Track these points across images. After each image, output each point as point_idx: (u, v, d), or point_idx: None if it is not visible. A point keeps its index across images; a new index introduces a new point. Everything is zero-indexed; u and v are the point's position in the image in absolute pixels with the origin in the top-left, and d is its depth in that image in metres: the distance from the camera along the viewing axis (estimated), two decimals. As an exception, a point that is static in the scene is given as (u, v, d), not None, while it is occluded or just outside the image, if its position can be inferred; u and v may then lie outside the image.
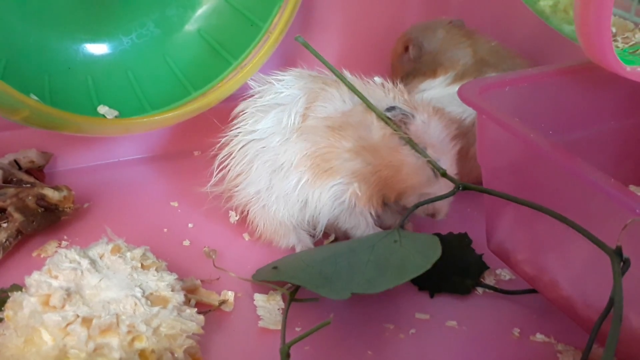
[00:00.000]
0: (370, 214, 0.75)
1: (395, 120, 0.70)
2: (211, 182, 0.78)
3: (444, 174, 0.68)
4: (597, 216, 0.54)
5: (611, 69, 0.61)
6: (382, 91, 0.74)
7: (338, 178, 0.72)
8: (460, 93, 0.63)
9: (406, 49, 0.97)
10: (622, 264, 0.51)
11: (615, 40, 0.68)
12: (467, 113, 0.85)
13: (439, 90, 0.90)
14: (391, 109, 0.70)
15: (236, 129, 0.76)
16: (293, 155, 0.72)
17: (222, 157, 0.77)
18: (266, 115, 0.74)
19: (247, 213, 0.77)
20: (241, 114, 0.76)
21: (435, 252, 0.63)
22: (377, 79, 0.77)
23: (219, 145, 0.78)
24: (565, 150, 0.54)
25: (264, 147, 0.73)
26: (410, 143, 0.70)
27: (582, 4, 0.54)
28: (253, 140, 0.74)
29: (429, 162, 0.70)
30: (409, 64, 0.96)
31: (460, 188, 0.68)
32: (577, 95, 0.71)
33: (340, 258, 0.65)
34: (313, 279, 0.62)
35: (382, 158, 0.70)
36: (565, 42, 0.71)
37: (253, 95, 0.77)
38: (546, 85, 0.69)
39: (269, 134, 0.73)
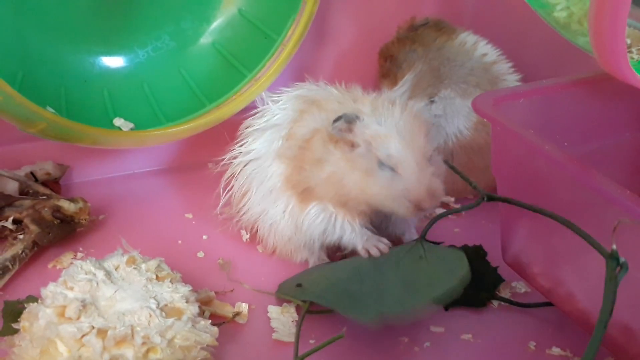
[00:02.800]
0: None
1: (340, 129, 0.66)
2: (220, 204, 0.79)
3: (475, 187, 0.65)
4: (610, 227, 0.53)
5: (626, 81, 0.61)
6: (351, 100, 0.72)
7: (313, 201, 0.71)
8: (474, 105, 0.63)
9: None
10: (619, 267, 0.50)
11: (630, 52, 0.68)
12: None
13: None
14: (337, 119, 0.66)
15: (237, 149, 0.77)
16: (276, 178, 0.72)
17: (227, 178, 0.78)
18: (261, 136, 0.75)
19: (257, 230, 0.78)
20: (243, 132, 0.78)
21: (462, 268, 0.64)
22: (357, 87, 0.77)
23: (221, 164, 0.79)
24: (580, 162, 0.54)
25: (258, 167, 0.74)
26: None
27: (597, 15, 0.54)
28: (251, 160, 0.75)
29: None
30: (384, 63, 0.97)
31: (485, 199, 0.67)
32: (592, 107, 0.71)
33: (366, 276, 0.66)
34: (341, 300, 0.63)
35: (342, 177, 0.67)
36: (579, 54, 0.71)
37: (256, 114, 0.78)
38: (560, 97, 0.69)
39: (262, 155, 0.74)
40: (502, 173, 0.66)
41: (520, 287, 0.75)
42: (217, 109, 0.89)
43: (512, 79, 0.90)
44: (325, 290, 0.66)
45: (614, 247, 0.50)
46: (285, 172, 0.71)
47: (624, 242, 0.51)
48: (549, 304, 0.69)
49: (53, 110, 0.75)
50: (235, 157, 0.77)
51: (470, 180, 0.67)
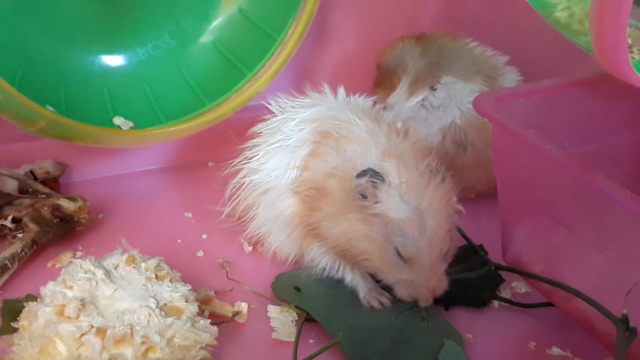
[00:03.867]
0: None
1: (365, 187, 0.60)
2: (226, 211, 0.77)
3: (483, 257, 0.69)
4: (615, 228, 0.53)
5: (627, 81, 0.61)
6: (373, 145, 0.65)
7: (319, 241, 0.68)
8: (475, 104, 0.62)
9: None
10: (628, 332, 0.51)
11: (632, 52, 0.68)
12: (431, 134, 0.87)
13: (400, 109, 0.90)
14: (361, 174, 0.60)
15: (247, 160, 0.74)
16: (287, 209, 0.69)
17: (233, 187, 0.76)
18: (273, 157, 0.71)
19: (259, 240, 0.76)
20: (256, 136, 0.75)
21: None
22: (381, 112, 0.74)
23: (227, 169, 0.77)
24: (581, 162, 0.54)
25: (268, 189, 0.71)
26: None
27: (598, 15, 0.54)
28: (261, 182, 0.72)
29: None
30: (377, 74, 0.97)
31: (493, 268, 0.71)
32: (593, 107, 0.71)
33: (364, 316, 0.66)
34: (335, 326, 0.63)
35: (355, 239, 0.63)
36: (580, 54, 0.71)
37: (268, 119, 0.76)
38: (561, 96, 0.69)
39: (274, 177, 0.70)
40: (503, 173, 0.66)
41: (521, 287, 0.74)
42: (217, 108, 0.88)
43: (511, 70, 0.91)
44: (321, 306, 0.66)
45: (625, 312, 0.50)
46: (297, 207, 0.68)
47: (628, 245, 0.51)
48: (549, 304, 0.69)
49: (53, 109, 0.75)
50: (243, 166, 0.75)
51: (476, 246, 0.73)
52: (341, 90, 0.76)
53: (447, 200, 0.62)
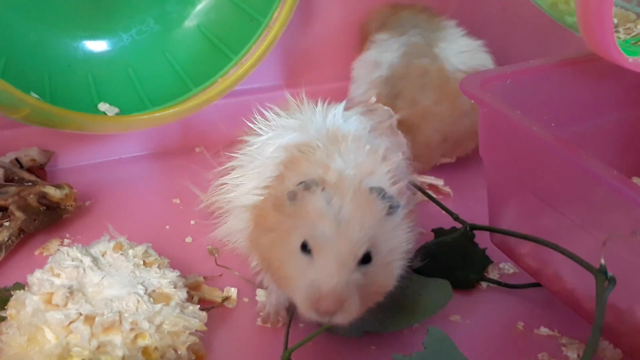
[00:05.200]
0: None
1: (294, 194, 0.57)
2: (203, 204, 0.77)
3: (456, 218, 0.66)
4: (601, 208, 0.54)
5: (613, 61, 0.61)
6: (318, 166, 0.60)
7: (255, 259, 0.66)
8: (461, 86, 0.62)
9: None
10: (607, 282, 0.51)
11: (617, 32, 0.68)
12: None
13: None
14: (302, 183, 0.57)
15: (224, 174, 0.72)
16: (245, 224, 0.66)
17: (214, 189, 0.74)
18: (247, 181, 0.68)
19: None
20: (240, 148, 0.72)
21: (447, 295, 0.65)
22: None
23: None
24: (567, 143, 0.54)
25: (237, 206, 0.68)
26: None
27: (584, -5, 0.54)
28: (234, 194, 0.69)
29: None
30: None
31: (468, 228, 0.70)
32: (579, 87, 0.71)
33: None
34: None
35: (273, 248, 0.58)
36: (566, 34, 0.71)
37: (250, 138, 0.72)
38: (548, 77, 0.69)
39: (244, 199, 0.67)
40: (489, 154, 0.66)
41: (509, 268, 0.75)
42: (203, 93, 0.88)
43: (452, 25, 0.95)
44: None
45: (602, 262, 0.51)
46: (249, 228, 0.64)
47: (615, 224, 0.52)
48: (537, 284, 0.69)
49: (37, 96, 0.74)
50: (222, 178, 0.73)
51: (451, 212, 0.72)
52: (331, 112, 0.70)
53: (374, 217, 0.55)
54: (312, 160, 0.60)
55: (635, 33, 0.68)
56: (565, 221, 0.57)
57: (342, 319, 0.52)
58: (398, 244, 0.58)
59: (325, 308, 0.51)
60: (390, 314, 0.62)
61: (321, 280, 0.51)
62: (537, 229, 0.63)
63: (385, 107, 0.85)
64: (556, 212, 0.58)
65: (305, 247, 0.54)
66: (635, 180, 0.74)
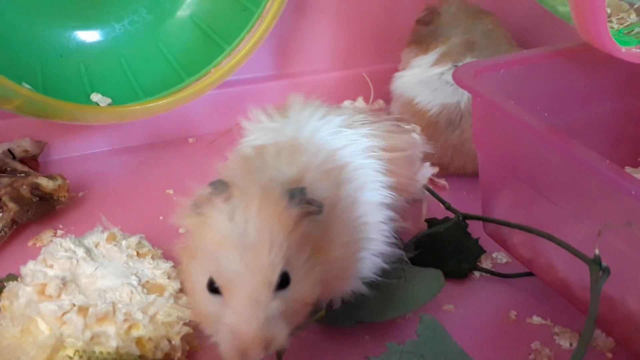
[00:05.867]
0: None
1: (199, 201, 0.49)
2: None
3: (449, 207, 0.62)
4: (594, 197, 0.54)
5: (606, 50, 0.61)
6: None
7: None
8: (455, 76, 0.62)
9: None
10: (601, 272, 0.51)
11: (610, 21, 0.68)
12: (432, 104, 0.86)
13: (418, 72, 0.90)
14: (212, 184, 0.49)
15: None
16: None
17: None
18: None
19: None
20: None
21: (438, 284, 0.64)
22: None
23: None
24: (560, 133, 0.54)
25: None
26: None
27: (577, -16, 0.54)
28: None
29: None
30: (421, 30, 0.95)
31: (461, 218, 0.70)
32: (572, 77, 0.71)
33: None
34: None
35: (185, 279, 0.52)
36: (560, 24, 0.71)
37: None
38: (541, 67, 0.69)
39: None
40: (483, 144, 0.66)
41: (501, 257, 0.75)
42: (196, 83, 0.88)
43: None
44: None
45: (597, 252, 0.51)
46: None
47: (608, 213, 0.52)
48: (530, 274, 0.69)
49: (29, 87, 0.74)
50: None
51: (444, 201, 0.72)
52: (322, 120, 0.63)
53: (289, 228, 0.47)
54: (240, 166, 0.54)
55: (628, 23, 0.68)
56: (558, 211, 0.57)
57: (274, 350, 0.47)
58: (334, 250, 0.51)
59: (255, 356, 0.45)
60: (383, 303, 0.62)
61: (239, 328, 0.44)
62: (530, 218, 0.64)
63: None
64: (549, 201, 0.58)
65: (212, 286, 0.46)
66: (628, 170, 0.74)
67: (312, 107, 0.64)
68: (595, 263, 0.51)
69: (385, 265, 0.59)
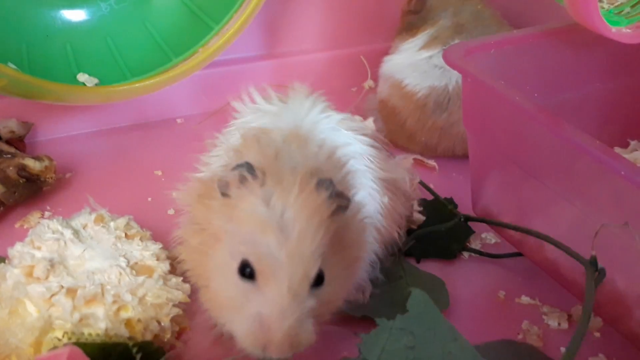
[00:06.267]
0: None
1: (227, 186, 0.48)
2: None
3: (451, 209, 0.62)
4: (584, 178, 0.54)
5: (596, 31, 0.61)
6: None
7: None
8: (445, 56, 0.62)
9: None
10: (597, 273, 0.51)
11: (601, 1, 0.68)
12: (420, 86, 0.86)
13: (407, 56, 0.90)
14: (238, 166, 0.47)
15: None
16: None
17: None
18: (209, 161, 0.62)
19: None
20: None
21: (444, 298, 0.64)
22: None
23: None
24: (550, 113, 0.54)
25: None
26: None
27: (568, -37, 0.54)
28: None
29: None
30: (410, 16, 0.94)
31: (462, 219, 0.70)
32: (562, 58, 0.71)
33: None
34: None
35: (201, 260, 0.50)
36: (550, 4, 0.71)
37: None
38: (531, 47, 0.69)
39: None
40: (472, 125, 0.66)
41: (490, 238, 0.75)
42: (184, 63, 0.87)
43: None
44: None
45: (593, 253, 0.51)
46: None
47: (598, 193, 0.52)
48: (519, 254, 0.70)
49: (15, 67, 0.73)
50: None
51: (444, 202, 0.73)
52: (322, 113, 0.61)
53: (326, 221, 0.46)
54: (262, 150, 0.51)
55: (618, 3, 0.68)
56: (548, 192, 0.57)
57: (297, 351, 0.44)
58: (352, 251, 0.51)
59: (278, 353, 0.43)
60: (381, 304, 0.61)
61: (271, 319, 0.43)
62: (519, 199, 0.64)
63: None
64: (539, 182, 0.58)
65: (244, 270, 0.45)
66: (617, 150, 0.75)
67: (313, 98, 0.62)
68: (591, 264, 0.51)
69: (384, 264, 0.59)
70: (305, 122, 0.58)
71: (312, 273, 0.44)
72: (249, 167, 0.46)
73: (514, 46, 0.67)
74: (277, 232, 0.43)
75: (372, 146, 0.63)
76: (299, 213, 0.44)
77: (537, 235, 0.59)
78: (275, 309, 0.43)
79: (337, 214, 0.47)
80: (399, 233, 0.63)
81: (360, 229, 0.53)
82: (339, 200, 0.47)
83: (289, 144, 0.52)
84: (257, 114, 0.62)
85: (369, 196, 0.59)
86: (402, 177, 0.67)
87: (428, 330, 0.48)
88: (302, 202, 0.45)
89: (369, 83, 1.09)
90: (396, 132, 0.91)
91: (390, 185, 0.63)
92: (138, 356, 0.49)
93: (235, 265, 0.45)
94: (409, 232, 0.71)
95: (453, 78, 0.84)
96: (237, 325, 0.45)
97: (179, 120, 0.99)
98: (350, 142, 0.61)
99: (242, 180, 0.46)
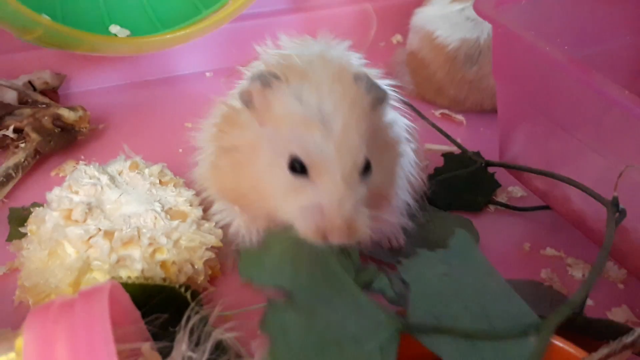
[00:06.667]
0: None
1: (252, 96, 0.49)
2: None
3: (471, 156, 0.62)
4: (614, 130, 0.54)
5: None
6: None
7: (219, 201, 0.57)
8: (476, 6, 0.62)
9: None
10: (618, 213, 0.51)
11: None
12: (451, 39, 0.85)
13: (439, 7, 0.89)
14: (255, 76, 0.48)
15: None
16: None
17: None
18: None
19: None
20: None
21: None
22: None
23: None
24: (581, 63, 0.54)
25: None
26: None
27: None
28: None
29: None
30: None
31: (483, 164, 0.70)
32: (594, 10, 0.70)
33: None
34: None
35: (241, 164, 0.50)
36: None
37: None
38: (563, -1, 0.68)
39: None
40: (502, 76, 0.66)
41: (517, 191, 0.76)
42: (213, 15, 0.87)
43: None
44: None
45: (615, 194, 0.51)
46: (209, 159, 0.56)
47: (627, 145, 0.52)
48: (544, 207, 0.70)
49: (49, 18, 0.74)
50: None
51: (465, 149, 0.72)
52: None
53: (366, 112, 0.48)
54: (283, 59, 0.51)
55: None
56: (577, 144, 0.58)
57: (355, 240, 0.46)
58: (394, 140, 0.53)
59: (339, 239, 0.44)
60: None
61: (330, 208, 0.44)
62: (548, 152, 0.64)
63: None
64: (568, 134, 0.58)
65: (294, 165, 0.45)
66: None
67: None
68: (612, 205, 0.52)
69: (412, 202, 0.59)
70: (332, 52, 0.57)
71: (360, 161, 0.46)
72: (268, 72, 0.47)
73: (545, -2, 0.67)
74: (320, 126, 0.44)
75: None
76: (338, 104, 0.45)
77: (558, 177, 0.59)
78: (333, 197, 0.44)
79: (376, 106, 0.49)
80: (423, 180, 0.64)
81: (392, 148, 0.53)
82: (376, 91, 0.48)
83: (312, 63, 0.51)
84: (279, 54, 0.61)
85: (402, 129, 0.60)
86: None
87: (465, 263, 0.49)
88: (339, 93, 0.46)
89: (396, 38, 1.08)
90: (424, 85, 0.91)
91: (414, 134, 0.63)
92: (188, 294, 0.51)
93: (284, 162, 0.46)
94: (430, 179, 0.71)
95: (485, 31, 0.83)
96: (295, 216, 0.46)
97: (208, 74, 1.00)
98: (375, 77, 0.59)
99: (265, 84, 0.47)
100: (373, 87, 0.48)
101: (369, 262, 0.54)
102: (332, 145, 0.44)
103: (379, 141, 0.49)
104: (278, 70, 0.47)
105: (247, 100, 0.48)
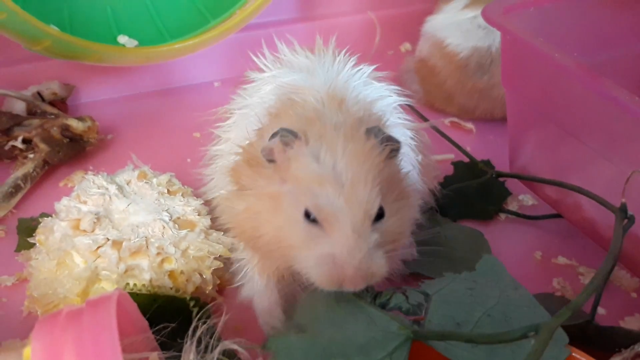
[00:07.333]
0: None
1: (272, 153, 0.49)
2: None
3: (482, 167, 0.61)
4: (624, 137, 0.53)
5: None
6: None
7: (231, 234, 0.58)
8: (484, 14, 0.62)
9: None
10: (626, 220, 0.51)
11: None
12: (463, 47, 0.85)
13: (451, 15, 0.88)
14: (274, 134, 0.49)
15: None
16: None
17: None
18: (236, 128, 0.64)
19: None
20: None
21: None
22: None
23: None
24: (590, 70, 0.53)
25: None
26: None
27: None
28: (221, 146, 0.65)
29: None
30: None
31: (494, 175, 0.70)
32: (602, 17, 0.70)
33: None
34: None
35: (259, 215, 0.50)
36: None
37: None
38: (571, 5, 0.68)
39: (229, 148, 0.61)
40: (511, 84, 0.66)
41: (527, 200, 0.75)
42: (221, 25, 0.87)
43: None
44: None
45: (623, 200, 0.51)
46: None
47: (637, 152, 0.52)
48: (556, 215, 0.70)
49: (57, 29, 0.74)
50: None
51: (475, 159, 0.73)
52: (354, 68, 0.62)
53: (379, 164, 0.48)
54: (299, 112, 0.53)
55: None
56: (587, 150, 0.57)
57: (372, 283, 0.47)
58: (406, 185, 0.54)
59: (354, 286, 0.46)
60: (434, 261, 0.61)
61: (342, 258, 0.45)
62: (557, 158, 0.64)
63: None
64: (578, 141, 0.58)
65: (309, 216, 0.47)
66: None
67: (342, 54, 0.63)
68: (621, 211, 0.51)
69: (419, 217, 0.59)
70: (338, 81, 0.59)
71: (373, 211, 0.47)
72: (288, 131, 0.48)
73: (553, 4, 0.66)
74: (333, 182, 0.46)
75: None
76: (350, 162, 0.47)
77: (567, 186, 0.59)
78: (344, 249, 0.45)
79: (390, 157, 0.50)
80: (433, 191, 0.64)
81: (402, 176, 0.54)
82: (390, 144, 0.50)
83: (325, 105, 0.53)
84: (286, 68, 0.63)
85: (405, 153, 0.60)
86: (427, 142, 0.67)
87: (490, 279, 0.49)
88: (352, 151, 0.47)
89: (405, 46, 1.08)
90: (433, 93, 0.90)
91: (424, 141, 0.64)
92: (195, 309, 0.50)
93: (299, 214, 0.47)
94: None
95: (497, 39, 0.83)
96: (310, 266, 0.47)
97: (216, 84, 1.00)
98: (383, 95, 0.61)
99: (286, 144, 0.48)
100: (385, 139, 0.49)
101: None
102: (342, 198, 0.46)
103: (394, 187, 0.51)
104: (297, 128, 0.49)
105: (269, 156, 0.49)
